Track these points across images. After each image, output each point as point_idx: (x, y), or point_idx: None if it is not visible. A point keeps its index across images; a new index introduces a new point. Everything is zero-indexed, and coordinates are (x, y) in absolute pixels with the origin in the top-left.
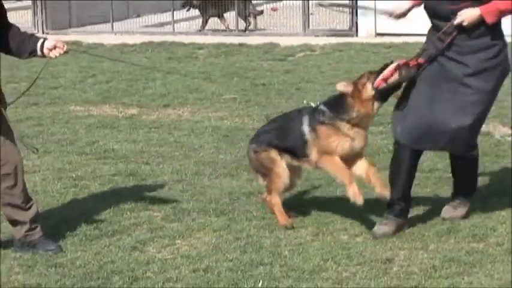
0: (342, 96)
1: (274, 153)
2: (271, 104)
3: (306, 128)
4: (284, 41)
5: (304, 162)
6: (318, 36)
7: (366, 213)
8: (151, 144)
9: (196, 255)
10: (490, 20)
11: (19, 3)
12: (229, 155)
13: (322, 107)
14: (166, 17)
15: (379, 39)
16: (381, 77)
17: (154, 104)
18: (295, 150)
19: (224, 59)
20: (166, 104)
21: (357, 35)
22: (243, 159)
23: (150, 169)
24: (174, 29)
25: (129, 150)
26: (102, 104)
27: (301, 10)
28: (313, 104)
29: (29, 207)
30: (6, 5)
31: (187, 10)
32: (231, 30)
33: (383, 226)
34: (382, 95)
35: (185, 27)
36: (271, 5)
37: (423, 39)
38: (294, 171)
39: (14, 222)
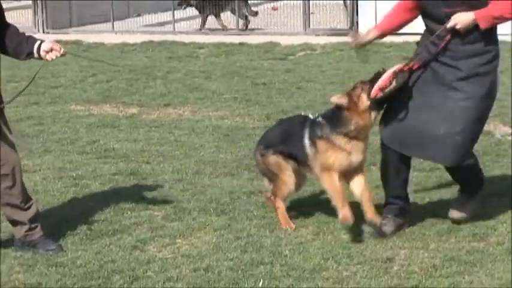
0: (338, 108)
1: (281, 159)
2: (271, 103)
3: (306, 142)
4: (285, 40)
5: (309, 171)
6: (318, 35)
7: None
8: (152, 143)
9: (196, 254)
10: (483, 25)
11: (19, 3)
12: (230, 154)
13: (320, 119)
14: (166, 16)
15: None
16: (376, 86)
17: (154, 103)
18: (300, 160)
19: (225, 58)
20: (167, 103)
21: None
22: (243, 158)
23: (150, 168)
24: (174, 28)
25: (129, 149)
26: (102, 103)
27: (301, 9)
28: (311, 116)
29: (28, 207)
30: (6, 5)
31: (184, 8)
32: (227, 29)
33: (382, 226)
34: (377, 104)
35: (185, 27)
36: (271, 4)
37: None
38: (300, 175)
39: (14, 222)
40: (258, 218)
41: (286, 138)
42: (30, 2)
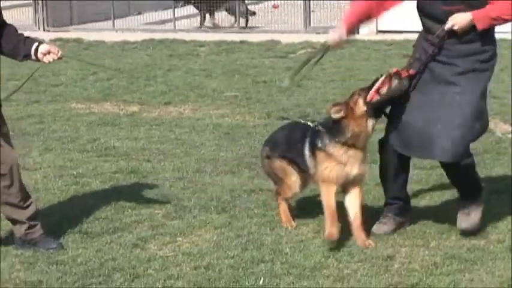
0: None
1: (286, 164)
2: (272, 101)
3: (306, 152)
4: (285, 38)
5: (311, 178)
6: (319, 33)
7: (366, 211)
8: (153, 141)
9: (197, 252)
10: (480, 26)
11: (20, 1)
12: (231, 153)
13: (320, 127)
14: (167, 14)
15: (380, 37)
16: (373, 89)
17: (155, 101)
18: (302, 168)
19: (225, 56)
20: (168, 102)
21: (358, 32)
22: (244, 156)
23: (151, 166)
24: (175, 26)
25: (130, 147)
26: (103, 101)
27: (302, 7)
28: (310, 124)
29: (27, 206)
30: (7, 3)
31: (181, 6)
32: (221, 27)
33: (382, 225)
34: (375, 111)
35: (186, 25)
36: (272, 2)
37: None
38: (305, 177)
39: (13, 221)
40: (258, 216)
41: (290, 145)
42: (31, 0)
